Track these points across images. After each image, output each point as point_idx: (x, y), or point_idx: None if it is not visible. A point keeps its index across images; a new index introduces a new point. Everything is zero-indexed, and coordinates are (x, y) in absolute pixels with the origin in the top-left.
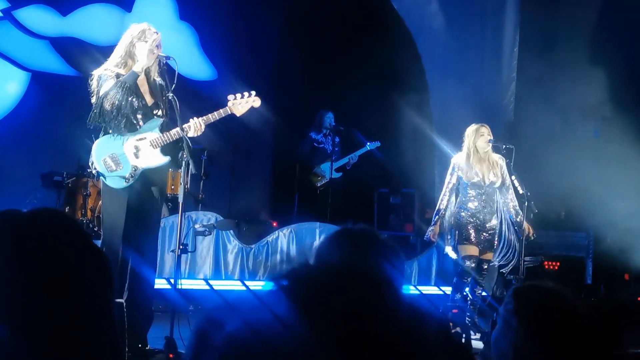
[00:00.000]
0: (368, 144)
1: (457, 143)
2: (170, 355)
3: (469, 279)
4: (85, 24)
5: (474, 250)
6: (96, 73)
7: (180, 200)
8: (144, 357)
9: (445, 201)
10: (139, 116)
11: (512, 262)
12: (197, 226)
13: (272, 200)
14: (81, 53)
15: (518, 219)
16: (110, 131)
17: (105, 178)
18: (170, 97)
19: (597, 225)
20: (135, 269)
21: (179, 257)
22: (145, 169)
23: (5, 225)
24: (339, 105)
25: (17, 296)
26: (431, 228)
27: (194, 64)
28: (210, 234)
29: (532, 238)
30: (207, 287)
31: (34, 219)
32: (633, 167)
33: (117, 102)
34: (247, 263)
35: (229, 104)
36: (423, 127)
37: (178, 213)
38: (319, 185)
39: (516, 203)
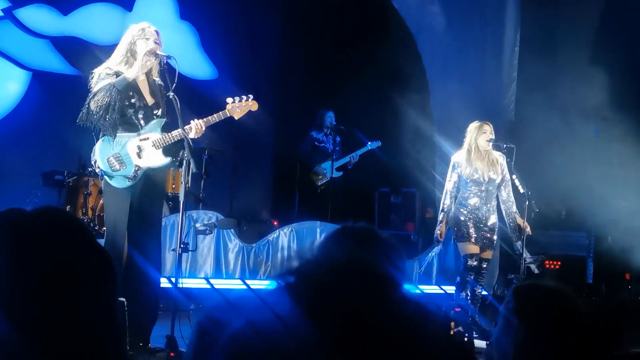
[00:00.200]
0: (369, 143)
1: (458, 142)
2: (172, 354)
3: (471, 278)
4: (86, 23)
5: (474, 249)
6: (97, 71)
7: (181, 199)
8: (145, 355)
9: (448, 200)
10: (140, 116)
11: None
12: (198, 225)
13: (273, 199)
14: (82, 52)
15: (513, 217)
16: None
17: (109, 178)
18: (171, 97)
19: (598, 225)
20: (140, 268)
21: (180, 256)
22: (148, 169)
23: (8, 224)
24: (340, 104)
25: (19, 295)
26: (438, 228)
27: (194, 63)
28: (211, 233)
29: (528, 234)
30: (208, 286)
31: (37, 217)
32: (634, 166)
33: (103, 104)
34: (248, 262)
35: (228, 107)
36: (424, 126)
37: (179, 212)
38: (319, 184)
39: (513, 201)
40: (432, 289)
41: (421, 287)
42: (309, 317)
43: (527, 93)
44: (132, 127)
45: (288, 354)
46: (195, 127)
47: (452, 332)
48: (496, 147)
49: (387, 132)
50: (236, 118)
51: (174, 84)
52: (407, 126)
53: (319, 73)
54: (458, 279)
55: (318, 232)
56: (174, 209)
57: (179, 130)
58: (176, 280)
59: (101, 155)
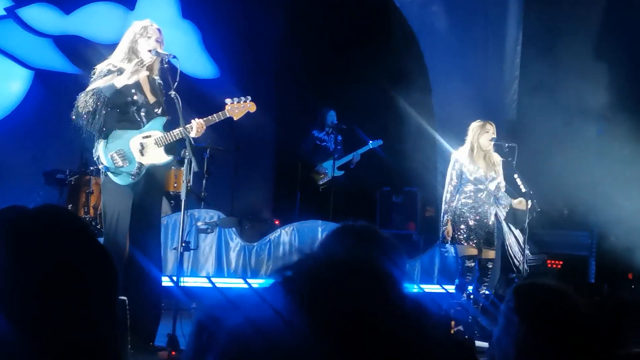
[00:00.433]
0: (370, 142)
1: (460, 141)
2: (173, 353)
3: (470, 278)
4: (89, 22)
5: (472, 251)
6: (98, 67)
7: (183, 198)
8: (147, 354)
9: (450, 199)
10: (142, 114)
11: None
12: (199, 224)
13: (275, 198)
14: (84, 51)
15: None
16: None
17: (113, 174)
18: (172, 95)
19: (600, 224)
20: (141, 267)
21: (182, 254)
22: (150, 167)
23: (8, 223)
24: (342, 103)
25: (19, 294)
26: (444, 228)
27: (196, 62)
28: (213, 232)
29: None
30: (210, 285)
31: (38, 215)
32: (637, 165)
33: (89, 110)
34: (250, 261)
35: (227, 107)
36: (425, 125)
37: (180, 211)
38: (321, 183)
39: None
40: (433, 288)
41: (422, 286)
42: (306, 314)
43: (529, 92)
44: (134, 124)
45: (286, 350)
46: (197, 126)
47: (452, 331)
48: (498, 146)
49: (389, 131)
50: (235, 119)
51: (176, 83)
52: (409, 125)
53: (321, 72)
54: (457, 281)
55: (319, 231)
56: (176, 208)
57: (181, 128)
58: (178, 279)
59: (104, 151)
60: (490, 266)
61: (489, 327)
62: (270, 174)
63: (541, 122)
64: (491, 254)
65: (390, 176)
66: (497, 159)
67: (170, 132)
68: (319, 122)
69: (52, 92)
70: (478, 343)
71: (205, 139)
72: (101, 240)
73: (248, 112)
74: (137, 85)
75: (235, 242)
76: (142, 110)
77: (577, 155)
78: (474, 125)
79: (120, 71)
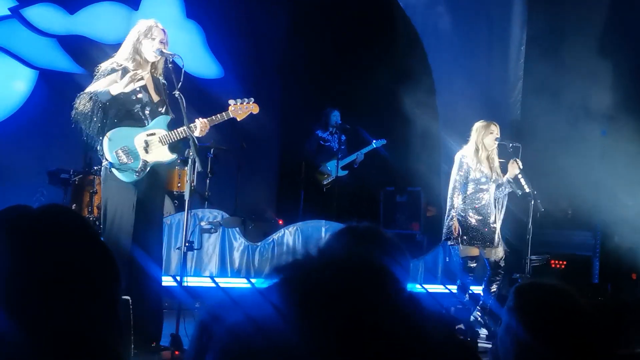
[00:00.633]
0: (374, 141)
1: (464, 141)
2: (176, 352)
3: (472, 278)
4: (93, 22)
5: (474, 251)
6: (103, 66)
7: (187, 197)
8: (150, 354)
9: (457, 197)
10: (147, 112)
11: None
12: (203, 224)
13: (278, 198)
14: (88, 51)
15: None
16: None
17: (118, 171)
18: (176, 95)
19: (604, 224)
20: (142, 266)
21: (185, 254)
22: (154, 165)
23: (11, 223)
24: (345, 103)
25: (21, 294)
26: (451, 224)
27: (200, 62)
28: (217, 232)
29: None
30: (213, 285)
31: (42, 215)
32: None
33: (87, 112)
34: (253, 261)
35: (230, 108)
36: (429, 125)
37: (184, 210)
38: (325, 183)
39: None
40: (437, 288)
41: (426, 286)
42: (304, 313)
43: (533, 92)
44: (139, 122)
45: (286, 349)
46: (200, 126)
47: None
48: (502, 146)
49: (393, 131)
50: (238, 120)
51: (180, 83)
52: (413, 125)
53: (325, 72)
54: (458, 281)
55: (323, 231)
56: (179, 208)
57: (184, 127)
58: (181, 278)
59: (110, 147)
60: (503, 265)
61: (493, 327)
62: (274, 174)
63: (545, 122)
64: (499, 252)
65: (393, 176)
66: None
67: (174, 130)
68: (323, 122)
69: (57, 92)
70: (482, 343)
71: (209, 139)
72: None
73: (251, 113)
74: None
75: (239, 242)
76: (147, 108)
77: (581, 156)
78: (478, 126)
79: (124, 70)
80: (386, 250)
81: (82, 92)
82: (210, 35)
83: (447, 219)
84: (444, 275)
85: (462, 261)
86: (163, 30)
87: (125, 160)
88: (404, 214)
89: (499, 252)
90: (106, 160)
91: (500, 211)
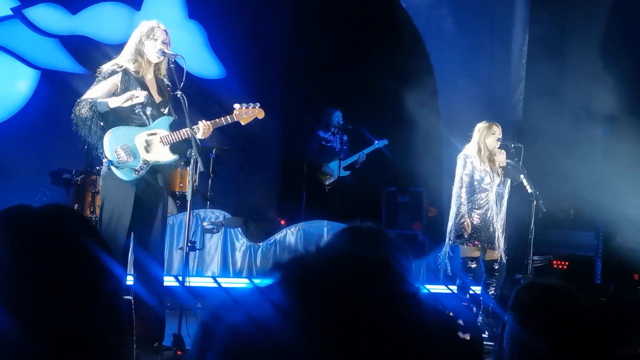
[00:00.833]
0: (376, 141)
1: (466, 141)
2: (179, 352)
3: (472, 278)
4: (95, 22)
5: (475, 252)
6: (104, 67)
7: (189, 197)
8: (152, 354)
9: (464, 194)
10: (148, 112)
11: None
12: (205, 224)
13: (280, 198)
14: (90, 51)
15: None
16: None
17: (118, 169)
18: (179, 95)
19: (606, 224)
20: (143, 265)
21: (187, 254)
22: (154, 164)
23: (12, 222)
24: (347, 103)
25: (21, 293)
26: (462, 221)
27: (202, 62)
28: (219, 232)
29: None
30: (215, 285)
31: (43, 215)
32: None
33: (85, 121)
34: (255, 261)
35: (235, 112)
36: (431, 125)
37: (186, 211)
38: (327, 183)
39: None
40: (439, 288)
41: (428, 286)
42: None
43: (536, 92)
44: (140, 121)
45: (287, 347)
46: (203, 128)
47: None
48: (504, 147)
49: (395, 132)
50: (242, 124)
51: (182, 83)
52: (415, 125)
53: (327, 72)
54: (458, 281)
55: (325, 231)
56: (182, 208)
57: (187, 129)
58: (183, 278)
59: (110, 145)
60: (497, 267)
61: (496, 327)
62: (276, 174)
63: (547, 122)
64: (495, 254)
65: (396, 176)
66: (501, 157)
67: (177, 131)
68: (325, 122)
69: (59, 92)
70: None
71: (211, 139)
72: None
73: (256, 117)
74: (144, 85)
75: (241, 242)
76: (149, 108)
77: (583, 156)
78: (480, 126)
79: (124, 72)
80: (389, 251)
81: (81, 99)
82: (212, 35)
83: (456, 218)
84: (445, 276)
85: (462, 261)
86: (165, 30)
87: (124, 158)
88: (406, 214)
89: (494, 255)
90: (106, 158)
91: (500, 210)
